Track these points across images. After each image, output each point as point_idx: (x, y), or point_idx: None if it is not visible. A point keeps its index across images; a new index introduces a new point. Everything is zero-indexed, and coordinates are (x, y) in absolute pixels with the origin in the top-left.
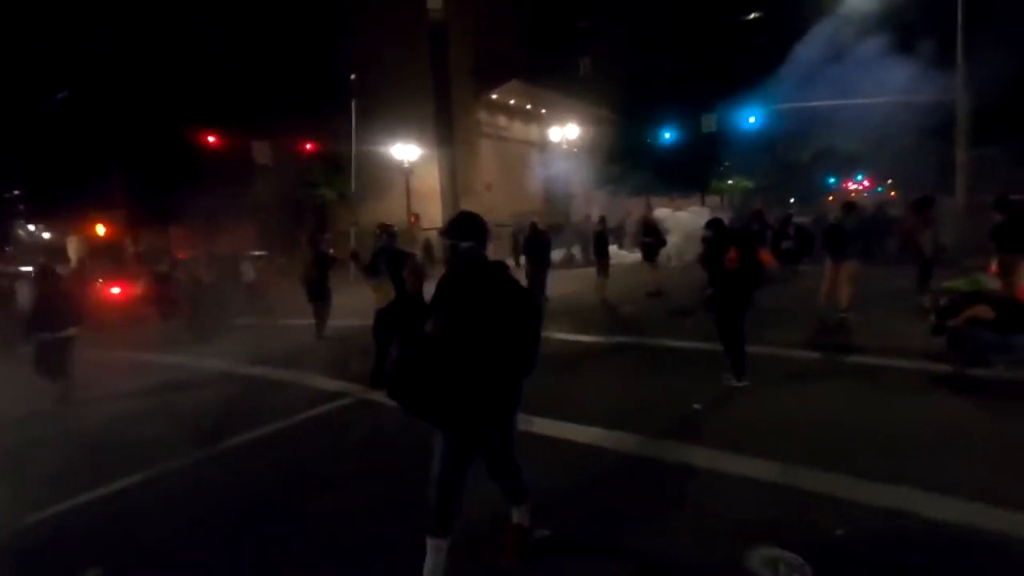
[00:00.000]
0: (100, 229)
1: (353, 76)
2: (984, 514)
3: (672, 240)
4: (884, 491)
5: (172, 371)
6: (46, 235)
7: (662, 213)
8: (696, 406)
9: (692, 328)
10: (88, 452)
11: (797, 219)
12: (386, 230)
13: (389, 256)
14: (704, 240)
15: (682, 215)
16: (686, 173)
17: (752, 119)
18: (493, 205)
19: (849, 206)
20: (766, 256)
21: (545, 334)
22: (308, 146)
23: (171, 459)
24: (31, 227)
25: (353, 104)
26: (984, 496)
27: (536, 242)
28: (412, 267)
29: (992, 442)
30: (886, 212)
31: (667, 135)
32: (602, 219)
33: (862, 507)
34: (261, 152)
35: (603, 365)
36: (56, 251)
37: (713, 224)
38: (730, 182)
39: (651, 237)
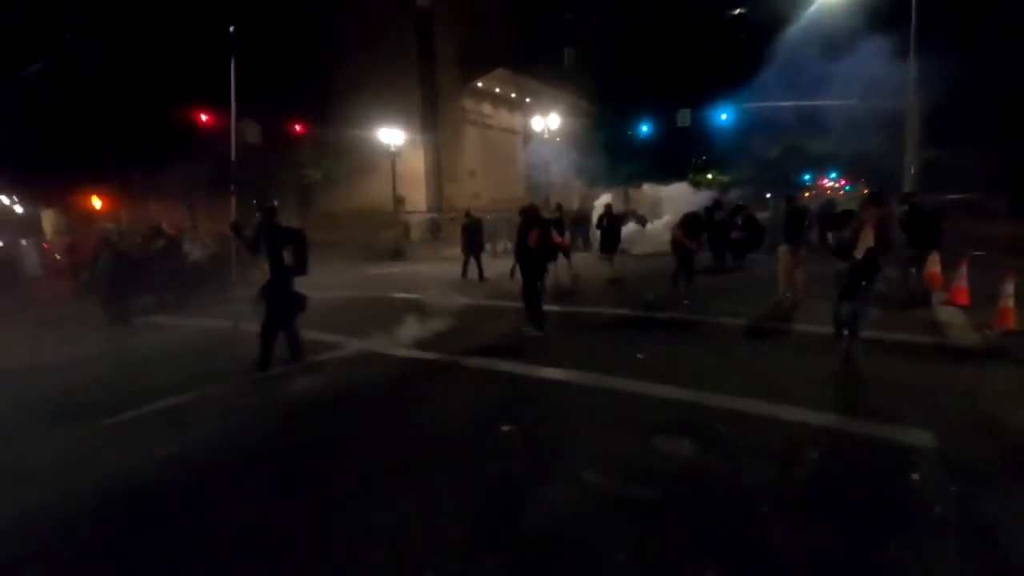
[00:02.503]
0: (96, 202)
1: (232, 28)
2: (823, 417)
3: (665, 220)
4: (760, 405)
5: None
6: (18, 208)
7: (649, 189)
8: (639, 356)
9: (647, 302)
10: (140, 378)
11: (760, 214)
12: (264, 208)
13: (271, 233)
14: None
15: (678, 186)
16: (665, 165)
17: (724, 116)
18: (476, 191)
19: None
20: (558, 239)
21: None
22: (297, 127)
23: (199, 389)
24: (3, 198)
25: (232, 61)
26: (831, 408)
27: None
28: (302, 245)
29: (849, 379)
30: (834, 207)
31: (645, 128)
32: (559, 206)
33: (743, 414)
34: (251, 132)
35: (568, 327)
36: (30, 225)
37: (523, 212)
38: (709, 176)
39: (611, 226)
